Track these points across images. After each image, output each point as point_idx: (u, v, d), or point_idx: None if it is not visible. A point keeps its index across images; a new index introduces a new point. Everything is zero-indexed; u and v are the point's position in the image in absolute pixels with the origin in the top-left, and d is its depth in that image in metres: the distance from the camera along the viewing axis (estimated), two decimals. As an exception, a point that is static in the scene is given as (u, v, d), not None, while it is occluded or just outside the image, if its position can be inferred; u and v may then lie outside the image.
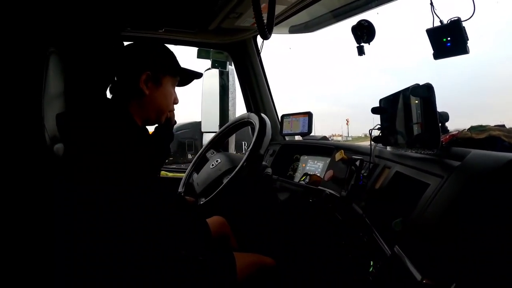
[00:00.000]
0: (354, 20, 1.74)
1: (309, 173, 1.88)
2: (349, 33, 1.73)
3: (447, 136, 1.18)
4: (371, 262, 1.06)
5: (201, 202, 1.60)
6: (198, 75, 1.39)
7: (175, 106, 1.33)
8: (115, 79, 1.23)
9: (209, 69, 2.76)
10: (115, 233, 0.99)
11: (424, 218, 0.89)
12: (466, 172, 0.88)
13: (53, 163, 1.24)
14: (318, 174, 1.87)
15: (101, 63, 1.45)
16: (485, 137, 1.09)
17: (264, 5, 1.48)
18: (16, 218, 1.22)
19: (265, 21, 1.33)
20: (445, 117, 1.24)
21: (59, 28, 1.65)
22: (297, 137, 2.46)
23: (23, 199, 1.24)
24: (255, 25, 1.41)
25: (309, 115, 2.30)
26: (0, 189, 1.23)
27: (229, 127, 2.01)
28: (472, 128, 1.16)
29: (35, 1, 1.51)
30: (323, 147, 2.00)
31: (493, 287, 0.75)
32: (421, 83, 1.06)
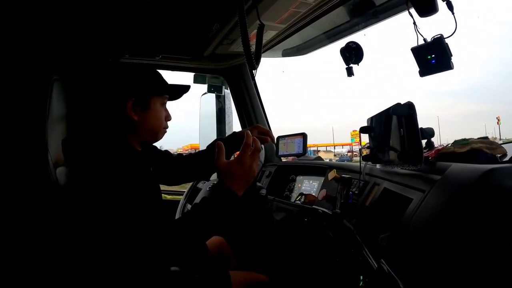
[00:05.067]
0: (344, 41, 1.79)
1: (304, 193, 1.90)
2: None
3: (433, 151, 1.21)
4: (361, 277, 1.08)
5: None
6: (186, 88, 1.37)
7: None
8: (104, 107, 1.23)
9: (205, 93, 2.82)
10: (113, 249, 1.02)
11: (406, 231, 0.92)
12: (445, 185, 0.91)
13: (55, 187, 1.27)
14: (313, 194, 1.89)
15: (100, 90, 1.50)
16: (467, 150, 1.11)
17: (254, 33, 1.55)
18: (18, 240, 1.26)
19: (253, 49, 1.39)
20: (430, 132, 1.27)
21: (62, 57, 1.72)
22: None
23: (25, 223, 1.27)
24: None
25: (303, 136, 2.33)
26: (5, 210, 1.27)
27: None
28: (455, 142, 1.19)
29: (40, 32, 1.58)
30: (317, 167, 2.03)
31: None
32: None
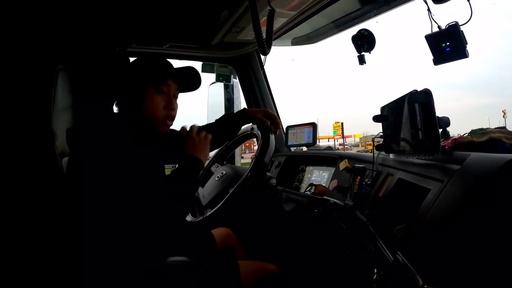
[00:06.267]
0: (355, 29, 1.75)
1: (314, 183, 1.87)
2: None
3: (449, 141, 1.17)
4: (375, 270, 1.05)
5: (208, 213, 1.60)
6: (192, 72, 1.33)
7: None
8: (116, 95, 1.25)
9: (214, 83, 2.79)
10: (121, 240, 1.05)
11: (424, 223, 0.89)
12: (465, 175, 0.87)
13: (60, 176, 1.27)
14: (324, 184, 1.86)
15: (105, 79, 1.49)
16: (485, 140, 1.08)
17: (264, 19, 1.51)
18: (24, 229, 1.27)
19: (264, 36, 1.35)
20: (446, 122, 1.24)
21: (67, 46, 1.70)
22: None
23: (33, 210, 1.28)
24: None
25: (313, 125, 2.30)
26: (13, 200, 1.27)
27: (232, 140, 1.98)
28: (472, 132, 1.16)
29: (45, 21, 1.56)
30: (327, 157, 2.00)
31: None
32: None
